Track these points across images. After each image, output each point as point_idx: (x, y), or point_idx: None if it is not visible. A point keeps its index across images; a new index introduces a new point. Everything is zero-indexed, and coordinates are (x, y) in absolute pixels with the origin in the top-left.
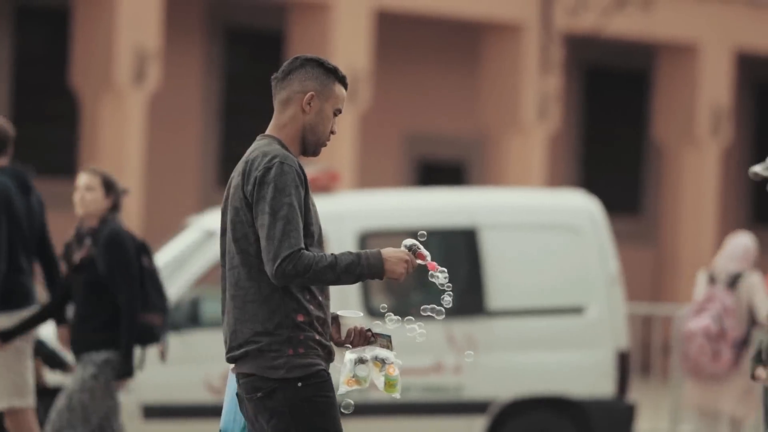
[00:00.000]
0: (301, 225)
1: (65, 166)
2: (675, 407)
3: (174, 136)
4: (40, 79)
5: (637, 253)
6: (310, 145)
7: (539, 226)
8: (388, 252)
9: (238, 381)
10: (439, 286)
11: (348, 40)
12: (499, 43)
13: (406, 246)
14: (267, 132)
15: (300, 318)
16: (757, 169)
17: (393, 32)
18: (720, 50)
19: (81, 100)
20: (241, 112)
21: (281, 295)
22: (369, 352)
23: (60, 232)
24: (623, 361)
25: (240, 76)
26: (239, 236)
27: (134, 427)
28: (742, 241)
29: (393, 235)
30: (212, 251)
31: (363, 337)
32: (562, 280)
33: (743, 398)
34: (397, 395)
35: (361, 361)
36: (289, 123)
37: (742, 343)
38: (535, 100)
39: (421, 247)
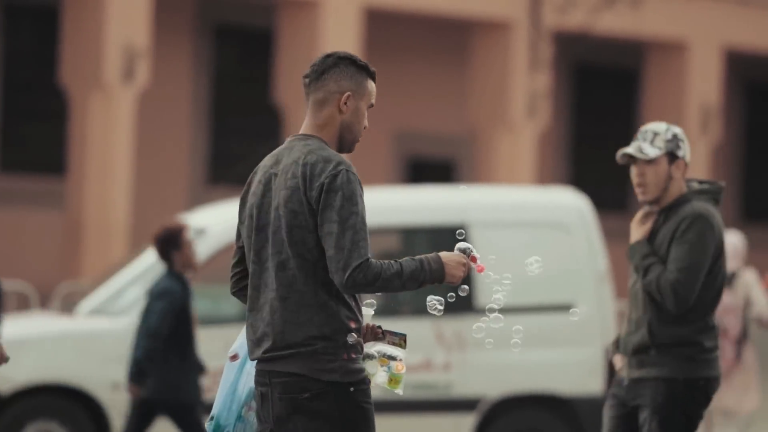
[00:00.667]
0: (368, 234)
1: (54, 164)
2: None
3: (163, 134)
4: (29, 77)
5: (625, 251)
6: (347, 143)
7: (528, 224)
8: (447, 256)
9: (268, 379)
10: (499, 284)
11: (337, 37)
12: (489, 40)
13: (460, 249)
14: (305, 131)
15: (352, 324)
16: (630, 150)
17: (382, 30)
18: (709, 48)
19: (70, 98)
20: (230, 110)
21: (336, 301)
22: (376, 348)
23: (49, 230)
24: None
25: (229, 73)
26: (297, 240)
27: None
28: (733, 240)
29: (383, 233)
30: (201, 249)
31: (373, 334)
32: (551, 278)
33: (744, 393)
34: (399, 392)
35: (367, 356)
36: (327, 123)
37: (742, 339)
38: (525, 97)
39: (474, 250)
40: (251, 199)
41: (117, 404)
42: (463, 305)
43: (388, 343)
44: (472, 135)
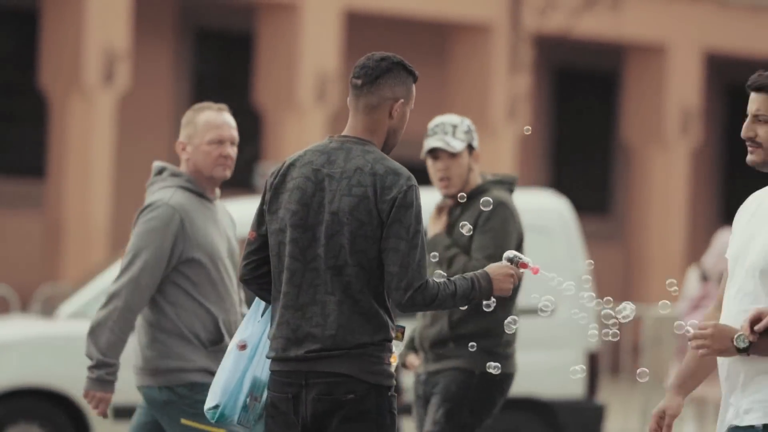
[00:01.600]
0: (426, 253)
1: (34, 167)
2: (645, 407)
3: (143, 136)
4: (8, 79)
5: (606, 253)
6: (389, 147)
7: None
8: (494, 270)
9: (303, 379)
10: (558, 285)
11: (317, 40)
12: (469, 43)
13: (507, 259)
14: (355, 134)
15: (392, 333)
16: (439, 144)
17: (362, 33)
18: (689, 51)
19: (50, 101)
20: None
21: (384, 311)
22: None
23: (29, 233)
24: (593, 362)
25: (209, 76)
26: (359, 249)
27: (105, 428)
28: (726, 239)
29: None
30: None
31: None
32: (531, 280)
33: None
34: None
35: None
36: (377, 128)
37: None
38: (505, 100)
39: (522, 256)
40: (294, 194)
41: None
42: None
43: None
44: None
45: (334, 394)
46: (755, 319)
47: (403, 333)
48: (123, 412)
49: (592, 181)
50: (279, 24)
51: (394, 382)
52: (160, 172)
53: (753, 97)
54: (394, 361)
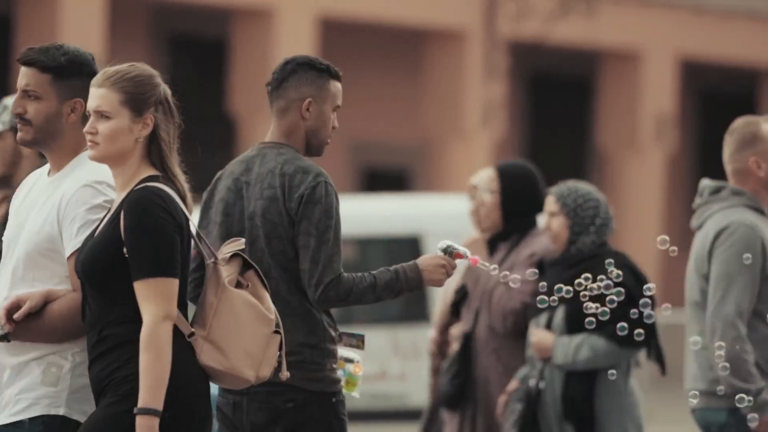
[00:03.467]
0: (341, 248)
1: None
2: None
3: None
4: None
5: None
6: (314, 148)
7: None
8: (424, 262)
9: (248, 388)
10: (497, 275)
11: (291, 47)
12: (443, 50)
13: (441, 249)
14: (272, 139)
15: (333, 333)
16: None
17: (336, 39)
18: (663, 57)
19: None
20: (185, 119)
21: (316, 310)
22: None
23: None
24: None
25: (184, 83)
26: (277, 251)
27: None
28: None
29: None
30: None
31: None
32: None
33: None
34: (356, 394)
35: None
36: (293, 130)
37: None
38: (479, 107)
39: (457, 246)
40: (219, 206)
41: None
42: (418, 315)
43: (345, 345)
44: (426, 144)
45: (273, 403)
46: (13, 307)
47: (363, 341)
48: None
49: None
50: (253, 30)
51: (339, 387)
52: (718, 191)
53: (23, 71)
54: (359, 370)
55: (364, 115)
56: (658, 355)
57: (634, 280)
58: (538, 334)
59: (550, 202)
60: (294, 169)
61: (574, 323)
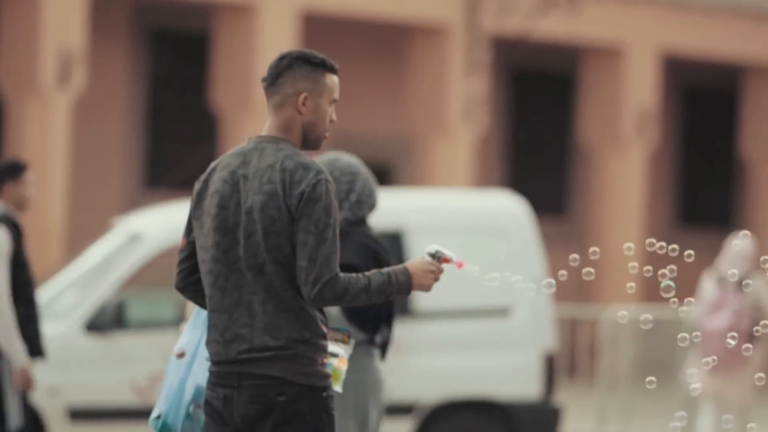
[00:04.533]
0: (339, 247)
1: None
2: (601, 409)
3: (99, 137)
4: None
5: (563, 255)
6: (311, 142)
7: (466, 228)
8: (414, 267)
9: (236, 381)
10: (482, 278)
11: (274, 42)
12: (425, 45)
13: (429, 254)
14: (270, 133)
15: (324, 329)
16: None
17: (318, 34)
18: (646, 53)
19: (5, 102)
20: (167, 113)
21: (310, 306)
22: None
23: None
24: (550, 363)
25: (165, 77)
26: (273, 246)
27: (61, 429)
28: (742, 244)
29: None
30: (138, 254)
31: None
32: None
33: (751, 388)
34: (338, 389)
35: None
36: (290, 125)
37: (751, 339)
38: (461, 102)
39: (444, 250)
40: (213, 198)
41: (54, 409)
42: (401, 309)
43: (330, 340)
44: (408, 139)
45: (265, 396)
46: None
47: (349, 336)
48: (78, 414)
49: (549, 182)
50: (235, 25)
51: (330, 382)
52: None
53: None
54: (343, 365)
55: (345, 110)
56: (384, 342)
57: (372, 263)
58: None
59: None
60: (294, 165)
61: None
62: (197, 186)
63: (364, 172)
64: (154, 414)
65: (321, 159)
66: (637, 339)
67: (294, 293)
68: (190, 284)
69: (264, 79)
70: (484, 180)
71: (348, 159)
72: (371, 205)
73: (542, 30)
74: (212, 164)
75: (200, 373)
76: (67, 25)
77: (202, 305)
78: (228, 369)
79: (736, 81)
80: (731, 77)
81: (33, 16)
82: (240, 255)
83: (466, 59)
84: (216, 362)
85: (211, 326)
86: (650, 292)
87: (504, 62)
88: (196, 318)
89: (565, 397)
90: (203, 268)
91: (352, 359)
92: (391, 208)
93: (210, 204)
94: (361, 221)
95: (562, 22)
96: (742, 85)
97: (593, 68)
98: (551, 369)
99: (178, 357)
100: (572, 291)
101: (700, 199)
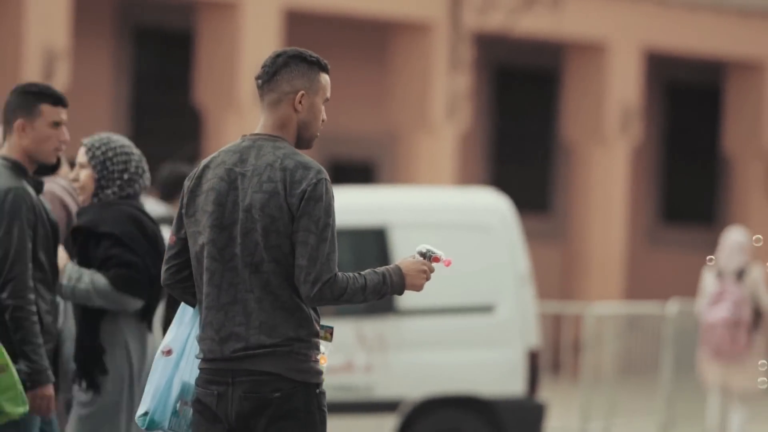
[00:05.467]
0: (337, 246)
1: None
2: (585, 405)
3: (83, 135)
4: None
5: (546, 252)
6: (304, 140)
7: (449, 225)
8: (407, 267)
9: (230, 378)
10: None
11: (257, 39)
12: (409, 42)
13: (420, 253)
14: (266, 131)
15: (317, 327)
16: None
17: (302, 31)
18: (629, 49)
19: None
20: (151, 111)
21: (306, 305)
22: None
23: None
24: (533, 360)
25: (149, 75)
26: (273, 245)
27: None
28: (737, 238)
29: None
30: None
31: None
32: (472, 279)
33: (753, 375)
34: None
35: None
36: (285, 123)
37: (752, 328)
38: (445, 99)
39: (435, 250)
40: (209, 195)
41: None
42: (384, 306)
43: None
44: (392, 136)
45: (260, 393)
46: None
47: (331, 333)
48: None
49: (532, 179)
50: (219, 22)
51: (323, 379)
52: None
53: None
54: (324, 362)
55: (329, 107)
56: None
57: (137, 232)
58: (60, 253)
59: (81, 154)
60: (295, 164)
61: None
62: (188, 183)
63: (137, 152)
64: (140, 411)
65: (91, 140)
66: (620, 335)
67: (290, 292)
68: (178, 281)
69: (258, 77)
70: (467, 177)
71: (121, 139)
72: (141, 184)
73: (525, 27)
74: (203, 161)
75: (188, 370)
76: (50, 24)
77: (190, 303)
78: (222, 366)
79: (718, 77)
80: (714, 73)
81: (17, 15)
82: (236, 253)
83: (449, 56)
84: (210, 359)
85: (206, 324)
86: (634, 288)
87: (487, 59)
88: (182, 315)
89: (548, 393)
90: (197, 265)
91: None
92: (376, 205)
93: (205, 201)
94: (130, 196)
95: (545, 18)
96: (724, 81)
97: (576, 65)
98: (535, 365)
99: (165, 354)
100: (555, 288)
101: (683, 195)
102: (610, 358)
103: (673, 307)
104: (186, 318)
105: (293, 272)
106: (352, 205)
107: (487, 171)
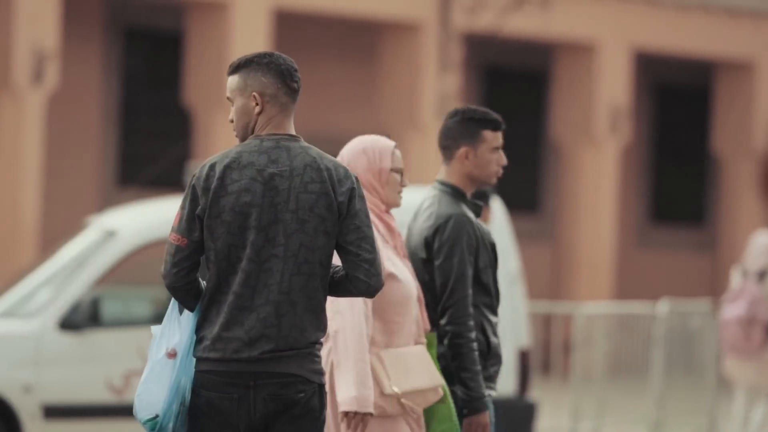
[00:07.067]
0: None
1: None
2: (575, 405)
3: (73, 136)
4: None
5: (536, 252)
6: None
7: None
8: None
9: (252, 380)
10: None
11: (246, 39)
12: (398, 42)
13: None
14: (281, 132)
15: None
16: None
17: (291, 31)
18: (618, 49)
19: None
20: (140, 111)
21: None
22: None
23: None
24: (524, 359)
25: (138, 75)
26: (320, 245)
27: (35, 427)
28: (763, 240)
29: None
30: (112, 251)
31: None
32: None
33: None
34: None
35: None
36: (293, 125)
37: None
38: (434, 99)
39: None
40: (242, 196)
41: (28, 407)
42: None
43: None
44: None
45: (285, 394)
46: None
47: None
48: (53, 412)
49: (522, 179)
50: (208, 22)
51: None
52: None
53: None
54: None
55: (319, 108)
56: None
57: None
58: None
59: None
60: (332, 164)
61: None
62: (204, 183)
63: None
64: (148, 415)
65: None
66: (610, 335)
67: (321, 294)
68: (186, 284)
69: (296, 81)
70: None
71: None
72: None
73: (515, 27)
74: (215, 161)
75: (186, 371)
76: (40, 24)
77: (190, 306)
78: (245, 368)
79: (708, 77)
80: (703, 73)
81: (6, 15)
82: (274, 254)
83: (438, 56)
84: (232, 360)
85: (233, 324)
86: (624, 288)
87: (477, 59)
88: (176, 316)
89: (539, 393)
90: (225, 266)
91: None
92: None
93: (236, 202)
94: None
95: (535, 18)
96: (714, 81)
97: (565, 65)
98: (525, 365)
99: (170, 357)
100: (545, 287)
101: (672, 195)
102: (600, 358)
103: (663, 306)
104: (185, 319)
105: (327, 274)
106: None
107: None
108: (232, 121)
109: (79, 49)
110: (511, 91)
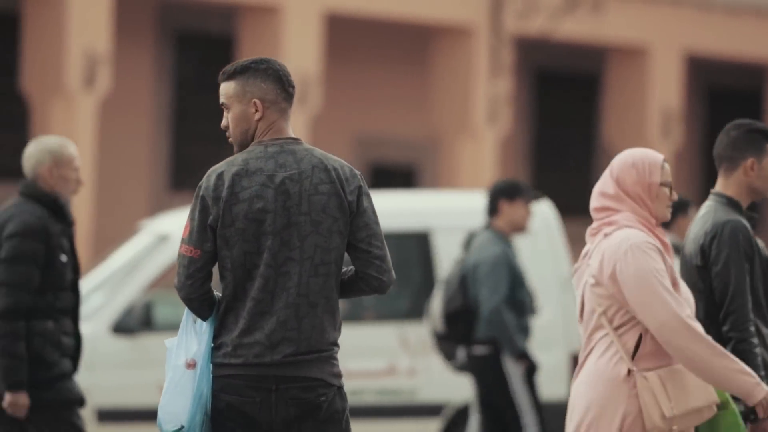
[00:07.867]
0: None
1: (15, 171)
2: None
3: (125, 140)
4: None
5: None
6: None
7: None
8: None
9: (274, 384)
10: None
11: (298, 43)
12: (450, 46)
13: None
14: (283, 136)
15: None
16: None
17: (343, 35)
18: (670, 53)
19: (31, 105)
20: (192, 115)
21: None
22: None
23: None
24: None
25: (190, 80)
26: (335, 246)
27: (89, 431)
28: None
29: None
30: (164, 255)
31: None
32: None
33: None
34: None
35: None
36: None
37: None
38: (486, 103)
39: None
40: (254, 202)
41: (83, 411)
42: (427, 311)
43: None
44: (433, 140)
45: (306, 399)
46: None
47: None
48: (107, 416)
49: (574, 183)
50: (260, 26)
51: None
52: None
53: None
54: None
55: (371, 111)
56: None
57: None
58: None
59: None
60: (337, 164)
61: None
62: (214, 193)
63: None
64: (174, 426)
65: None
66: None
67: (336, 294)
68: (201, 294)
69: (293, 86)
70: None
71: None
72: None
73: (566, 30)
74: (222, 169)
75: (205, 379)
76: (92, 28)
77: (204, 316)
78: (266, 372)
79: (760, 81)
80: (755, 77)
81: (58, 19)
82: (291, 257)
83: (490, 60)
84: (254, 365)
85: (254, 329)
86: None
87: (528, 63)
88: (192, 326)
89: None
90: (241, 273)
91: None
92: (417, 210)
93: (249, 209)
94: None
95: (586, 22)
96: (766, 86)
97: (617, 69)
98: None
99: (188, 367)
100: None
101: None
102: None
103: None
104: (203, 328)
105: (339, 273)
106: (395, 209)
107: (528, 175)
108: (225, 128)
109: (131, 54)
110: (563, 95)
